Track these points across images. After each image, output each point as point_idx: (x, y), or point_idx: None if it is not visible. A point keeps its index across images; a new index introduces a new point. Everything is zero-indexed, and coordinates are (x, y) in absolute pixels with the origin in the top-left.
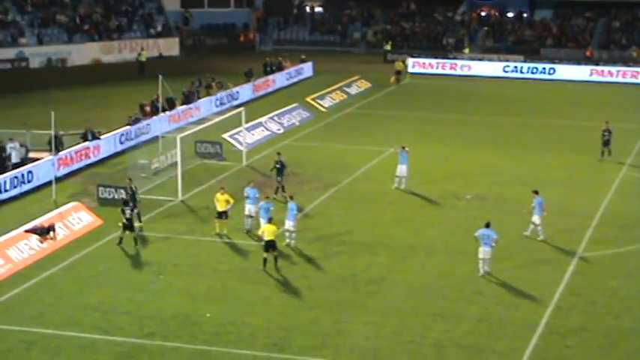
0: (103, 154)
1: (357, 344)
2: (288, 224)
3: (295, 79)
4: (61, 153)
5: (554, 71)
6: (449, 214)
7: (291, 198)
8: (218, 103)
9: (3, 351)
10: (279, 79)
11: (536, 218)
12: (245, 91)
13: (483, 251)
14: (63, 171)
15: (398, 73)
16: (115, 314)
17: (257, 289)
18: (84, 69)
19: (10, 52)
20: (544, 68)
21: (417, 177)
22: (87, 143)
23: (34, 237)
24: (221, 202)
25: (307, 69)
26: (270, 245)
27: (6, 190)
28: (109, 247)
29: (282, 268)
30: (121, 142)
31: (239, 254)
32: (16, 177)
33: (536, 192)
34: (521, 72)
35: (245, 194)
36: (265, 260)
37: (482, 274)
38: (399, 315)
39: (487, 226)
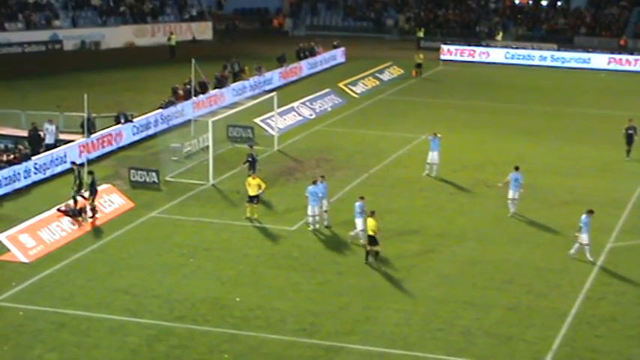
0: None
1: (386, 331)
2: (325, 204)
3: (327, 65)
4: (92, 135)
5: (588, 60)
6: (480, 201)
7: (322, 177)
8: (250, 87)
9: (34, 331)
10: (311, 65)
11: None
12: (277, 77)
13: (512, 192)
14: (95, 153)
15: (418, 65)
16: (145, 297)
17: (287, 275)
18: (117, 52)
19: (44, 35)
20: (578, 57)
21: (448, 164)
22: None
23: (66, 219)
24: (252, 186)
25: (340, 55)
26: (370, 239)
27: (39, 172)
28: (140, 230)
29: (383, 264)
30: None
31: (269, 239)
32: (49, 158)
33: (516, 168)
34: (554, 60)
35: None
36: (367, 253)
37: (511, 214)
38: (429, 302)
39: (516, 169)
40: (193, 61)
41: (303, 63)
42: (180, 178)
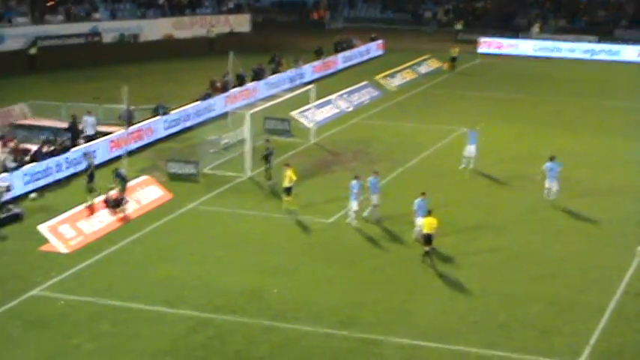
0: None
1: (423, 323)
2: (375, 199)
3: (365, 58)
4: (131, 127)
5: (627, 52)
6: (518, 194)
7: (376, 173)
8: (287, 80)
9: (73, 322)
10: (348, 57)
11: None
12: (314, 69)
13: (549, 182)
14: (134, 145)
15: (453, 59)
16: (183, 288)
17: (324, 267)
18: (156, 44)
19: (83, 27)
20: (617, 49)
21: (486, 157)
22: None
23: (105, 210)
24: (286, 177)
25: (377, 47)
26: (426, 238)
27: (79, 163)
28: (179, 222)
29: (437, 264)
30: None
31: (307, 231)
32: (87, 150)
33: (551, 158)
34: (594, 53)
35: (367, 184)
36: (426, 253)
37: (552, 199)
38: (466, 295)
39: (551, 159)
40: (231, 53)
41: (339, 56)
42: (217, 170)
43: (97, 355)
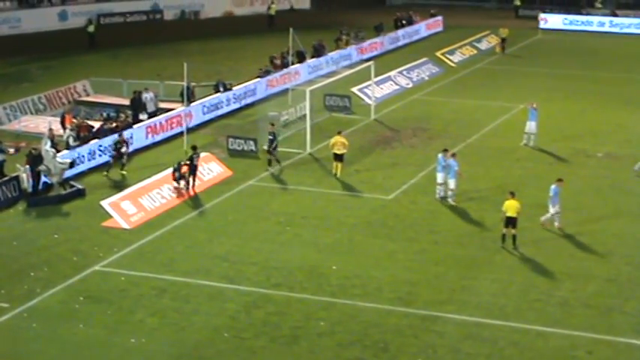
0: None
1: (482, 300)
2: (451, 183)
3: (425, 34)
4: (193, 104)
5: None
6: (579, 172)
7: (454, 155)
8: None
9: (135, 296)
10: (408, 34)
11: None
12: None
13: None
14: (194, 121)
15: (503, 40)
16: (243, 264)
17: (383, 243)
18: (216, 21)
19: (145, 5)
20: None
21: (547, 134)
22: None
23: (166, 186)
24: (337, 144)
25: (437, 23)
26: (510, 221)
27: (140, 140)
28: (239, 198)
29: (519, 246)
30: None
31: (365, 208)
32: (149, 127)
33: None
34: None
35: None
36: (504, 236)
37: None
38: (526, 273)
39: None
40: (291, 30)
41: (401, 32)
42: (278, 146)
43: (158, 331)
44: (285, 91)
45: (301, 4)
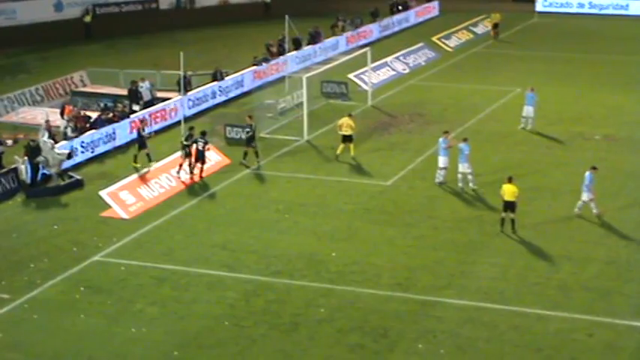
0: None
1: (482, 285)
2: (462, 167)
3: (421, 19)
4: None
5: None
6: (576, 155)
7: (465, 140)
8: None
9: (135, 286)
10: (404, 19)
11: None
12: (370, 31)
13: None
14: (192, 110)
15: (495, 26)
16: (242, 252)
17: (382, 230)
18: (211, 10)
19: None
20: None
21: (544, 117)
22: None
23: (164, 175)
24: (344, 126)
25: (433, 8)
26: (508, 206)
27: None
28: (237, 186)
29: (518, 230)
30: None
31: (364, 194)
32: (145, 116)
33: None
34: None
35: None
36: (503, 220)
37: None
38: (525, 256)
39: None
40: (287, 17)
41: (396, 17)
42: (275, 134)
43: (158, 320)
44: (281, 79)
45: None
